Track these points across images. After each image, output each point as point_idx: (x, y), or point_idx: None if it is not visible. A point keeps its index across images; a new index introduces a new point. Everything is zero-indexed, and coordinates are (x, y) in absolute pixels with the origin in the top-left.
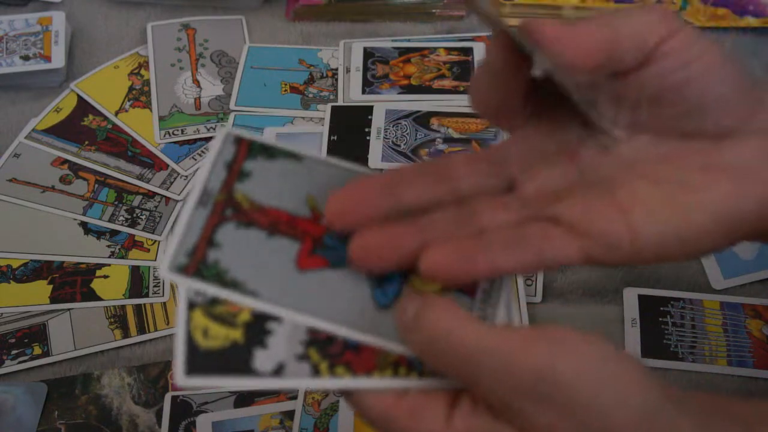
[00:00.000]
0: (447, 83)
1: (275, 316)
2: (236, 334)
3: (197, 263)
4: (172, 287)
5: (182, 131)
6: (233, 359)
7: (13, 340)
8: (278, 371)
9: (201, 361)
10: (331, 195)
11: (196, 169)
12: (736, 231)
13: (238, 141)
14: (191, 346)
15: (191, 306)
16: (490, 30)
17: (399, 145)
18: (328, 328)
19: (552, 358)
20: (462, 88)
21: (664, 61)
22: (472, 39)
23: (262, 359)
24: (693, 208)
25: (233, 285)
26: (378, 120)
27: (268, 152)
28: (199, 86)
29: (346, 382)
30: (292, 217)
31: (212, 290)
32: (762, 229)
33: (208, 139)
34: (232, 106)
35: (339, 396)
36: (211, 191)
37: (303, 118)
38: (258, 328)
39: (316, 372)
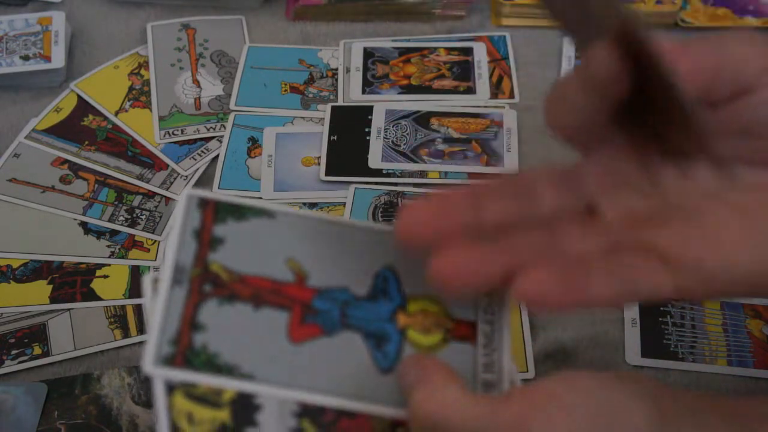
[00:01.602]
0: (447, 83)
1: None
2: (223, 415)
3: (184, 351)
4: None
5: (182, 131)
6: None
7: (13, 340)
8: None
9: None
10: (406, 207)
11: (196, 170)
12: None
13: (203, 204)
14: None
15: (170, 389)
16: (594, 33)
17: (399, 145)
18: (330, 403)
19: None
20: (462, 88)
21: (758, 93)
22: (472, 39)
23: None
24: None
25: (227, 370)
26: (378, 120)
27: (238, 213)
28: (199, 86)
29: None
30: (276, 284)
31: (206, 380)
32: None
33: (208, 139)
34: (232, 106)
35: None
36: (184, 267)
37: (303, 118)
38: (246, 404)
39: None
